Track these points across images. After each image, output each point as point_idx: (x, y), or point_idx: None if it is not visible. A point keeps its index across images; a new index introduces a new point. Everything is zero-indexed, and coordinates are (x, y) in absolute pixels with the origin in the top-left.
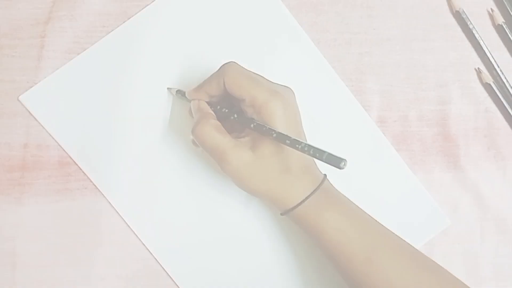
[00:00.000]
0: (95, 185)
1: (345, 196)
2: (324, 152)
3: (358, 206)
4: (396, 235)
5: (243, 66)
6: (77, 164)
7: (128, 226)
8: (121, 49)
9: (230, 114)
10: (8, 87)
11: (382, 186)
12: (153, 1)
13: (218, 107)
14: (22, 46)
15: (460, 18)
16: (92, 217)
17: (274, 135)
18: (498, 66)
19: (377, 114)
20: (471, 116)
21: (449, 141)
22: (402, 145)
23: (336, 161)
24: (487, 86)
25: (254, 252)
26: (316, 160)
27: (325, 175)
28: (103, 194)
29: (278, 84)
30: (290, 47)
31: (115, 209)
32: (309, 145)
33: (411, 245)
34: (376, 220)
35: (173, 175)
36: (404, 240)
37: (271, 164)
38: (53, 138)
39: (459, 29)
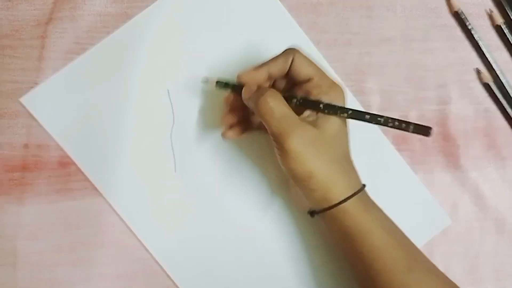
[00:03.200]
0: (95, 186)
1: (373, 201)
2: (410, 123)
3: (384, 212)
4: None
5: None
6: (77, 165)
7: (128, 226)
8: (121, 50)
9: (291, 97)
10: (9, 88)
11: (383, 186)
12: (153, 2)
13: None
14: (23, 47)
15: (459, 18)
16: (92, 217)
17: (350, 112)
18: (498, 66)
19: None
20: (471, 116)
21: (449, 141)
22: (402, 145)
23: (424, 130)
24: (486, 86)
25: (254, 252)
26: None
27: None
28: (102, 195)
29: None
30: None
31: (114, 209)
32: (392, 118)
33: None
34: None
35: (172, 175)
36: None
37: (335, 144)
38: (53, 138)
39: (458, 29)
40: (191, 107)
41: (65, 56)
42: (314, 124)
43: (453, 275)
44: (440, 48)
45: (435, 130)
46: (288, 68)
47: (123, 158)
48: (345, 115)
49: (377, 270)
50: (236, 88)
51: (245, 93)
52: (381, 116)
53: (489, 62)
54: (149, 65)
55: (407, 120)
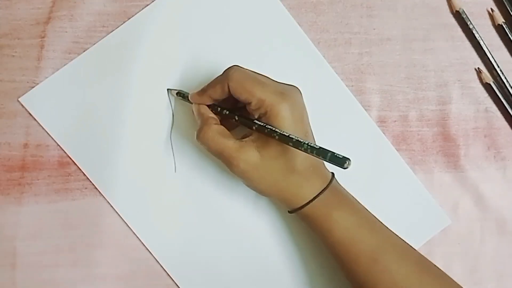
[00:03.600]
0: (94, 185)
1: (353, 196)
2: (328, 152)
3: (365, 207)
4: (401, 238)
5: (247, 68)
6: (76, 164)
7: (128, 226)
8: (121, 49)
9: (231, 116)
10: (8, 87)
11: (383, 186)
12: (153, 1)
13: (219, 109)
14: (22, 46)
15: (460, 18)
16: (92, 217)
17: (277, 136)
18: (498, 66)
19: (377, 114)
20: (471, 116)
21: (449, 141)
22: (402, 145)
23: (340, 161)
24: (487, 86)
25: (254, 251)
26: None
27: (332, 173)
28: (102, 194)
29: (284, 84)
30: (289, 48)
31: (114, 209)
32: (312, 146)
33: (415, 250)
34: (381, 222)
35: (172, 175)
36: (409, 244)
37: (278, 164)
38: (52, 138)
39: (459, 29)
40: (191, 107)
41: (64, 56)
42: (258, 145)
43: (454, 276)
44: (440, 48)
45: (436, 131)
46: (227, 92)
47: (123, 157)
48: (275, 137)
49: (344, 263)
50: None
51: (194, 112)
52: (302, 144)
53: (490, 62)
54: (149, 65)
55: (326, 149)
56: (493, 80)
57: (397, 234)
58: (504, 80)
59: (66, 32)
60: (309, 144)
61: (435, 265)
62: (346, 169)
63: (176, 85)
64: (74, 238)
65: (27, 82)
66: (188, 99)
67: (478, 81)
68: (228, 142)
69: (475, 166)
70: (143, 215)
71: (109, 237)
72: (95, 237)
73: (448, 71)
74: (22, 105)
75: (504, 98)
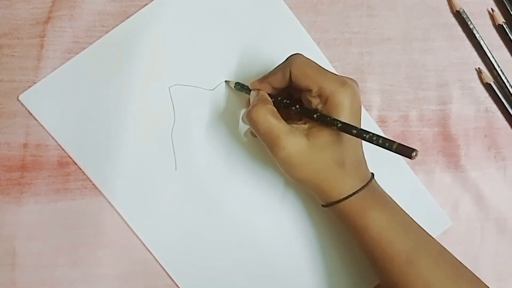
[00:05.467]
0: (94, 185)
1: (390, 197)
2: (394, 142)
3: (402, 208)
4: (437, 241)
5: (308, 58)
6: (76, 164)
7: (128, 226)
8: (120, 48)
9: (291, 104)
10: (8, 87)
11: (383, 187)
12: (152, 0)
13: (279, 98)
14: (22, 46)
15: (460, 18)
16: (92, 217)
17: (339, 125)
18: (499, 66)
19: (377, 114)
20: (472, 116)
21: (450, 141)
22: None
23: (406, 151)
24: (487, 86)
25: (255, 251)
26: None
27: (372, 174)
28: (102, 194)
29: (343, 76)
30: (291, 46)
31: (115, 208)
32: (377, 135)
33: (451, 253)
34: (418, 224)
35: (173, 173)
36: (445, 248)
37: (325, 154)
38: (52, 137)
39: (459, 29)
40: (192, 106)
41: (64, 55)
42: (307, 132)
43: None
44: (441, 48)
45: (436, 131)
46: (288, 80)
47: (123, 156)
48: (335, 127)
49: (378, 262)
50: (249, 92)
51: (251, 97)
52: (367, 132)
53: (490, 61)
54: (150, 63)
55: (391, 139)
56: (493, 80)
57: (433, 237)
58: (505, 80)
59: (66, 31)
60: (374, 133)
61: (470, 271)
62: (413, 160)
63: (177, 84)
64: (74, 238)
65: (27, 82)
66: (246, 90)
67: (478, 81)
68: (279, 124)
69: (475, 166)
70: (143, 215)
71: (109, 237)
72: (95, 237)
73: (449, 71)
74: (22, 104)
75: (505, 98)
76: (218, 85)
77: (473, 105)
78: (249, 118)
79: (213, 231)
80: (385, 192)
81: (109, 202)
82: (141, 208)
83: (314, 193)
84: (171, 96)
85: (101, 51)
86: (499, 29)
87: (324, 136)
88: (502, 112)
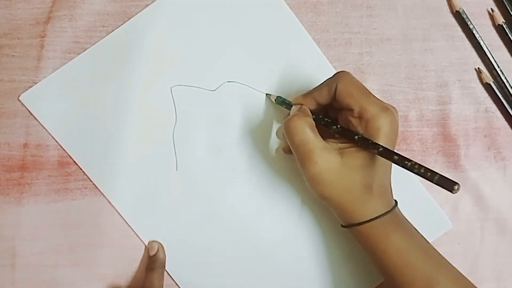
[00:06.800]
0: (95, 185)
1: (410, 223)
2: (436, 173)
3: (421, 234)
4: (454, 267)
5: (355, 78)
6: (77, 164)
7: (129, 225)
8: (121, 49)
9: (331, 124)
10: (8, 87)
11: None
12: (153, 1)
13: (320, 116)
14: (22, 46)
15: (460, 18)
16: (92, 217)
17: (381, 149)
18: (498, 66)
19: None
20: (471, 116)
21: (449, 141)
22: (402, 145)
23: (448, 184)
24: (487, 86)
25: (255, 251)
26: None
27: (396, 201)
28: (103, 194)
29: (385, 102)
30: (292, 47)
31: (115, 208)
32: (420, 164)
33: (468, 280)
34: (437, 250)
35: (174, 173)
36: (463, 275)
37: (355, 176)
38: (53, 137)
39: (459, 29)
40: (193, 106)
41: (64, 56)
42: (341, 151)
43: None
44: (440, 48)
45: (436, 131)
46: (332, 96)
47: (124, 157)
48: (376, 151)
49: (397, 285)
50: (290, 107)
51: (292, 111)
52: (409, 160)
53: (490, 62)
54: (151, 64)
55: (434, 170)
56: (493, 80)
57: (451, 263)
58: (504, 80)
59: (66, 32)
60: (416, 162)
61: None
62: (454, 194)
63: (178, 84)
64: (74, 238)
65: (27, 82)
66: (287, 105)
67: (478, 81)
68: (315, 138)
69: (475, 166)
70: (144, 215)
71: (109, 237)
72: (95, 237)
73: (448, 71)
74: (22, 104)
75: (504, 98)
76: (220, 85)
77: (473, 105)
78: (287, 126)
79: (213, 232)
80: (406, 219)
81: (110, 202)
82: (142, 208)
83: (336, 212)
84: (172, 97)
85: (102, 52)
86: (499, 29)
87: (358, 158)
88: (502, 112)
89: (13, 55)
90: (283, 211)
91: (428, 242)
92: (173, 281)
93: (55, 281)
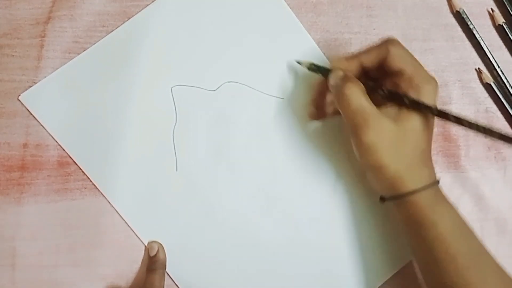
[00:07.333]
0: (94, 185)
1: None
2: (495, 131)
3: None
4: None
5: None
6: (76, 164)
7: (128, 226)
8: (121, 49)
9: (378, 88)
10: (8, 87)
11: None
12: (153, 1)
13: (364, 81)
14: (22, 46)
15: (460, 18)
16: (92, 217)
17: (434, 110)
18: (499, 66)
19: None
20: (472, 116)
21: (450, 141)
22: None
23: (508, 139)
24: (487, 86)
25: (256, 252)
26: None
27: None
28: (102, 194)
29: None
30: (292, 47)
31: (115, 208)
32: (478, 124)
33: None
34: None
35: (174, 173)
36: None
37: (412, 140)
38: (52, 137)
39: (459, 29)
40: (193, 106)
41: (64, 56)
42: (395, 117)
43: None
44: (441, 48)
45: (436, 131)
46: (380, 61)
47: (124, 157)
48: (429, 111)
49: (435, 260)
50: (326, 72)
51: (331, 79)
52: (466, 120)
53: (490, 62)
54: (151, 64)
55: (492, 129)
56: (493, 80)
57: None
58: (505, 80)
59: (66, 32)
60: (475, 121)
61: None
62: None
63: (178, 84)
64: (74, 238)
65: (27, 82)
66: (322, 71)
67: (478, 81)
68: (370, 105)
69: (475, 166)
70: (144, 215)
71: (109, 237)
72: (95, 237)
73: (448, 71)
74: (22, 104)
75: (505, 98)
76: (220, 86)
77: (473, 105)
78: (342, 94)
79: (213, 232)
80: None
81: (109, 202)
82: (142, 208)
83: (387, 183)
84: (173, 97)
85: (102, 52)
86: (499, 29)
87: (413, 121)
88: (502, 112)
89: (13, 55)
90: (283, 211)
91: (466, 221)
92: (172, 281)
93: (55, 281)
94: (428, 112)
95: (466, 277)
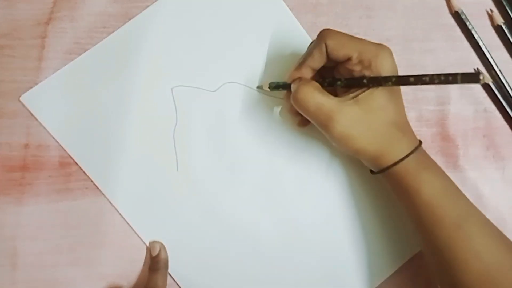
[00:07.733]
0: (95, 185)
1: (436, 163)
2: (457, 74)
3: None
4: (482, 213)
5: (336, 30)
6: (77, 164)
7: (129, 225)
8: (121, 50)
9: (335, 80)
10: (9, 88)
11: (385, 188)
12: (153, 2)
13: (321, 80)
14: (23, 47)
15: (459, 18)
16: (93, 217)
17: (394, 79)
18: (497, 66)
19: None
20: (470, 116)
21: (448, 141)
22: None
23: (473, 78)
24: (486, 86)
25: (256, 251)
26: None
27: (420, 141)
28: (103, 194)
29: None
30: (291, 47)
31: (115, 208)
32: (437, 74)
33: (495, 226)
34: (462, 192)
35: (174, 175)
36: (490, 221)
37: (380, 116)
38: (53, 138)
39: (458, 29)
40: (194, 106)
41: (65, 56)
42: (357, 100)
43: None
44: (440, 48)
45: (435, 131)
46: (325, 55)
47: (125, 157)
48: (390, 83)
49: (425, 225)
50: (287, 87)
51: (292, 88)
52: (426, 75)
53: (489, 62)
54: (152, 64)
55: (453, 72)
56: (492, 80)
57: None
58: (503, 80)
59: (67, 32)
60: (434, 74)
61: None
62: (480, 84)
63: (179, 85)
64: (75, 238)
65: (28, 83)
66: (283, 87)
67: None
68: (328, 99)
69: (474, 166)
70: (145, 215)
71: (110, 237)
72: (96, 237)
73: (448, 71)
74: (23, 105)
75: (503, 98)
76: (220, 86)
77: (472, 105)
78: (296, 99)
79: (214, 231)
80: (433, 159)
81: (110, 202)
82: (142, 208)
83: (370, 162)
84: (173, 97)
85: (103, 53)
86: (498, 29)
87: (375, 98)
88: (501, 112)
89: (14, 56)
90: (283, 210)
91: (454, 183)
92: (173, 281)
93: (55, 281)
94: (388, 83)
95: (454, 237)
